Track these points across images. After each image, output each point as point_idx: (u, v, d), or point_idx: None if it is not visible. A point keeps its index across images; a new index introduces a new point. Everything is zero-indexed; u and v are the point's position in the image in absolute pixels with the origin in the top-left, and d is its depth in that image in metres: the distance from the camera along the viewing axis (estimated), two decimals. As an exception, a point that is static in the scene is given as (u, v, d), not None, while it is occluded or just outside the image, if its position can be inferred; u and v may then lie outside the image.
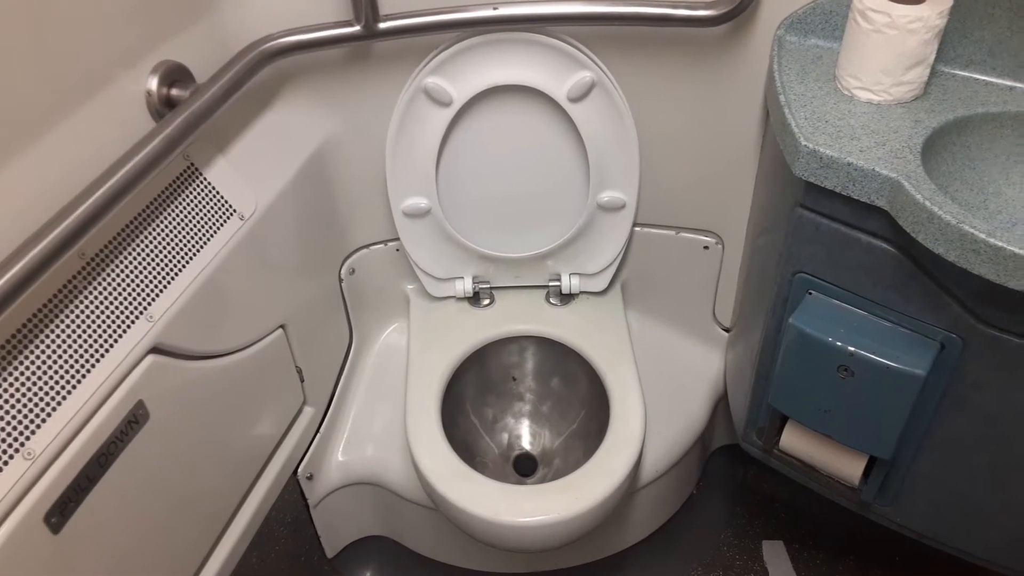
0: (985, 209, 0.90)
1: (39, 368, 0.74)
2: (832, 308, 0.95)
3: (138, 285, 0.85)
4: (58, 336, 0.76)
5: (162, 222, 0.90)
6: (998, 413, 0.88)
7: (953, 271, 0.79)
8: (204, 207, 0.96)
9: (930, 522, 1.04)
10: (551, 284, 1.36)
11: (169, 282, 0.89)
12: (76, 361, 0.77)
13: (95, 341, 0.79)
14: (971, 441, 0.92)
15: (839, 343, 0.91)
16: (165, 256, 0.89)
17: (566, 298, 1.36)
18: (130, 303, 0.84)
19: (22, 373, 0.73)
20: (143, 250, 0.87)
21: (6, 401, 0.71)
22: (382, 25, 1.04)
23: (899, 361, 0.89)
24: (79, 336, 0.78)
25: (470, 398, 1.35)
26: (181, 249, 0.91)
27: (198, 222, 0.94)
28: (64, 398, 0.75)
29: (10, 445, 0.70)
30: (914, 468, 0.99)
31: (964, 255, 0.75)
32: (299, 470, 1.24)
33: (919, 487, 1.01)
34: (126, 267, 0.85)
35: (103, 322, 0.81)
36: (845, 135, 0.87)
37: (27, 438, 0.72)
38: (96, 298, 0.81)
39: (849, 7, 0.92)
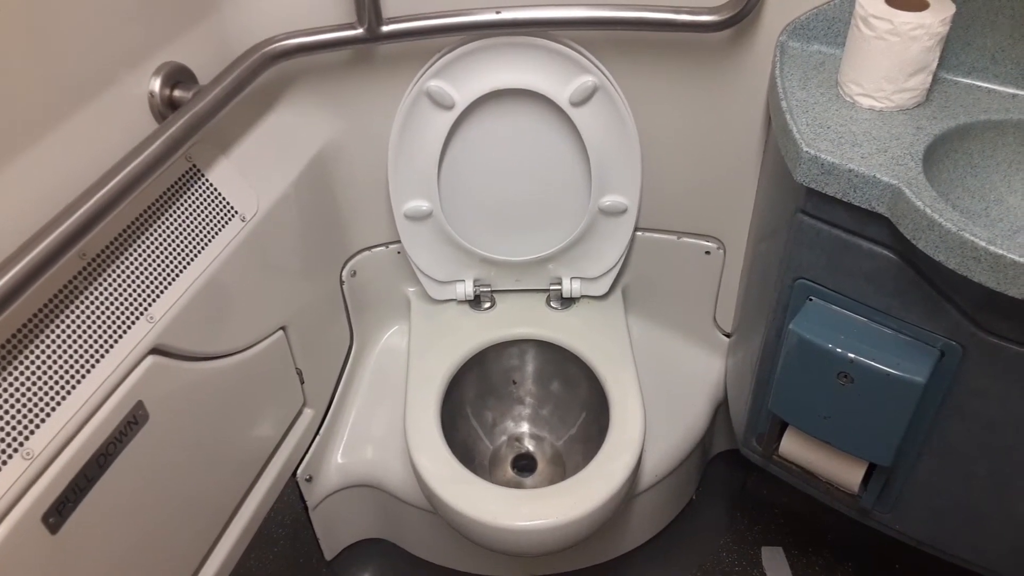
0: (986, 217, 0.90)
1: (39, 368, 0.74)
2: (832, 314, 0.95)
3: (139, 286, 0.85)
4: (58, 336, 0.77)
5: (164, 223, 0.90)
6: (998, 421, 0.88)
7: (953, 278, 0.79)
8: (206, 208, 0.96)
9: (929, 529, 1.04)
10: (552, 288, 1.36)
11: (170, 283, 0.89)
12: (76, 361, 0.77)
13: (95, 341, 0.80)
14: (971, 449, 0.92)
15: (839, 349, 0.91)
16: (166, 257, 0.89)
17: (567, 302, 1.36)
18: (131, 304, 0.84)
19: (22, 372, 0.73)
20: (144, 251, 0.87)
21: (6, 400, 0.71)
22: (385, 28, 1.04)
23: (899, 368, 0.89)
24: (79, 336, 0.78)
25: (470, 401, 1.35)
26: (182, 250, 0.91)
27: (200, 223, 0.94)
28: (64, 398, 0.75)
29: (9, 445, 0.70)
30: (913, 475, 0.99)
31: (964, 262, 0.75)
32: (298, 472, 1.24)
33: (918, 494, 1.01)
34: (127, 268, 0.85)
35: (103, 322, 0.81)
36: (847, 141, 0.87)
37: (26, 438, 0.72)
38: (97, 298, 0.81)
39: (851, 13, 0.92)
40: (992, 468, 0.92)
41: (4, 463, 0.70)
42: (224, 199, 0.98)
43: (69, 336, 0.77)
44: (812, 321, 0.95)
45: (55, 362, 0.76)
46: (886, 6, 0.87)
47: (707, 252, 1.33)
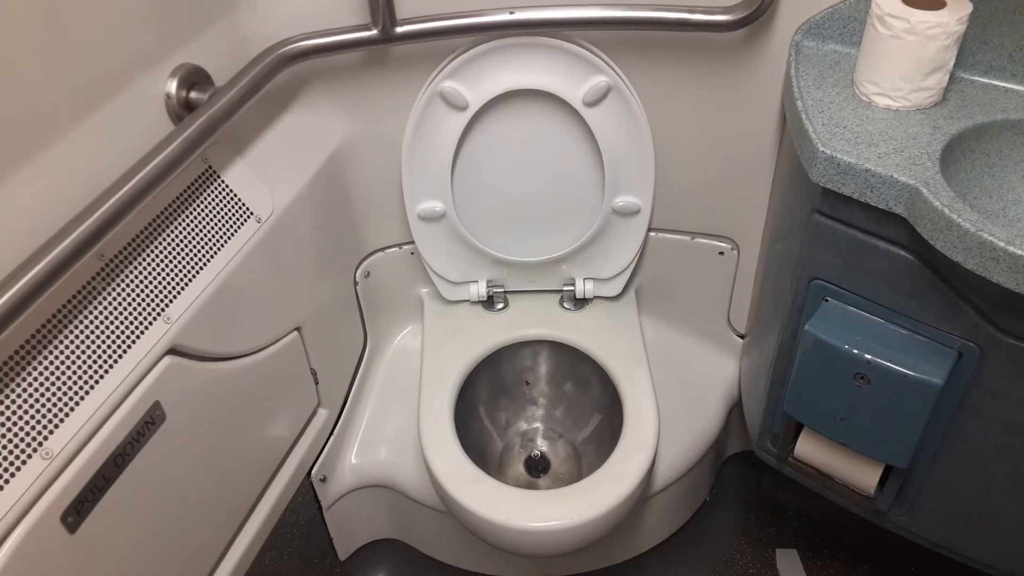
0: (1004, 217, 0.89)
1: (58, 368, 0.75)
2: (849, 315, 0.94)
3: (156, 287, 0.86)
4: (77, 337, 0.77)
5: (180, 224, 0.91)
6: (1016, 422, 0.87)
7: (971, 279, 0.79)
8: (222, 209, 0.96)
9: (946, 532, 1.03)
10: (565, 288, 1.36)
11: (187, 284, 0.89)
12: (94, 362, 0.78)
13: (113, 342, 0.80)
14: (988, 451, 0.92)
15: (856, 351, 0.91)
16: (183, 258, 0.90)
17: (580, 303, 1.36)
18: (148, 304, 0.84)
19: (41, 373, 0.74)
20: (161, 252, 0.88)
21: (25, 401, 0.72)
22: (399, 29, 1.04)
23: (916, 369, 0.88)
24: (98, 337, 0.79)
25: (483, 402, 1.35)
26: (199, 251, 0.92)
27: (216, 224, 0.95)
28: (82, 398, 0.76)
29: (28, 444, 0.71)
30: (930, 477, 0.99)
31: (983, 263, 0.74)
32: (312, 472, 1.24)
33: (935, 497, 1.00)
34: (144, 269, 0.85)
35: (121, 323, 0.81)
36: (863, 141, 0.86)
37: (45, 438, 0.72)
38: (115, 299, 0.81)
39: (867, 12, 0.91)
40: (1010, 470, 0.92)
41: (24, 463, 0.70)
42: (240, 200, 0.99)
43: (87, 337, 0.78)
44: (828, 322, 0.94)
45: (74, 362, 0.76)
46: (903, 5, 0.86)
47: (721, 253, 1.32)
